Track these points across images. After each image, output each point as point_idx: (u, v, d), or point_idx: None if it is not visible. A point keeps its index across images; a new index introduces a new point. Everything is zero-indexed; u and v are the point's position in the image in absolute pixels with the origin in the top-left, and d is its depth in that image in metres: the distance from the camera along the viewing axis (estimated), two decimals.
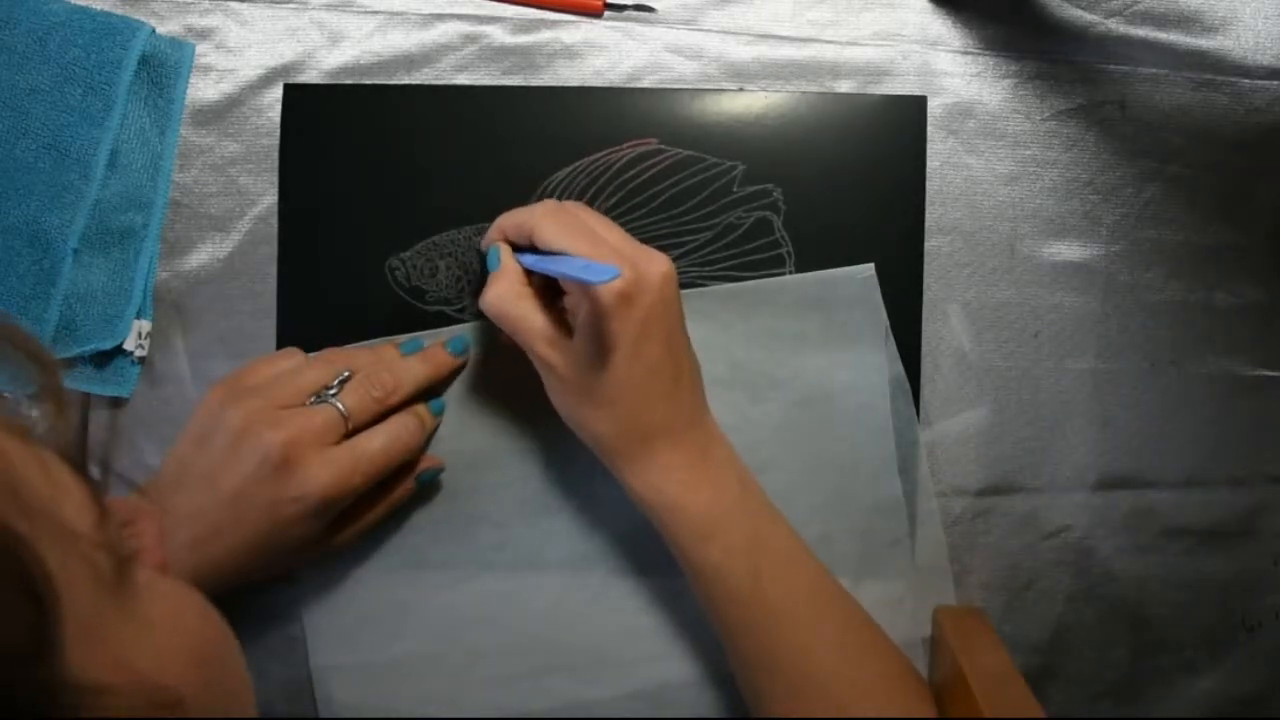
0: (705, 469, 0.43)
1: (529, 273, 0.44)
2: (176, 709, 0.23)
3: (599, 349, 0.41)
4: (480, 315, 0.49)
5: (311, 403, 0.43)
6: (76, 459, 0.24)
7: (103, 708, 0.21)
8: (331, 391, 0.43)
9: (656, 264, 0.41)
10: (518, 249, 0.45)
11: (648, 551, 0.49)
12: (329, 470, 0.41)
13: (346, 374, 0.44)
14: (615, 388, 0.41)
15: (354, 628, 0.49)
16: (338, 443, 0.42)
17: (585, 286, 0.40)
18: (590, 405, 0.42)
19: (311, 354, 0.47)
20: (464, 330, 0.48)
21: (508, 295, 0.43)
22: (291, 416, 0.41)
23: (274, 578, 0.48)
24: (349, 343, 0.48)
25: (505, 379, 0.49)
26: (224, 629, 0.28)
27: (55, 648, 0.20)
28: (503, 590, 0.49)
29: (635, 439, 0.42)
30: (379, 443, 0.43)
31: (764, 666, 0.43)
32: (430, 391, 0.47)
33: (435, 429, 0.48)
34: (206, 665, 0.26)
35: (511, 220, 0.44)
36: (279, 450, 0.40)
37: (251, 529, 0.41)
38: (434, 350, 0.47)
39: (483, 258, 0.48)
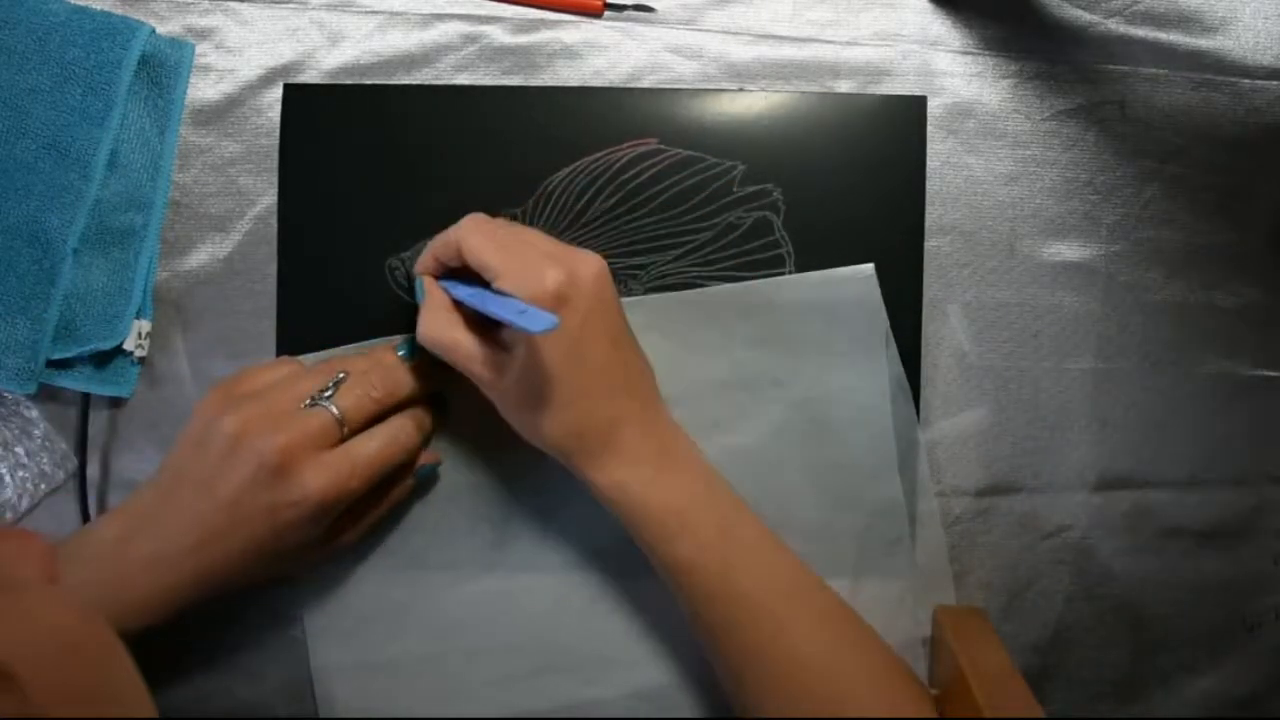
0: (668, 463, 0.43)
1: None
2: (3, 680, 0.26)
3: (542, 357, 0.40)
4: None
5: (306, 406, 0.42)
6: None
7: None
8: (326, 394, 0.43)
9: (589, 264, 0.41)
10: (454, 275, 0.45)
11: None
12: (325, 474, 0.41)
13: (341, 376, 0.44)
14: (565, 392, 0.41)
15: (354, 628, 0.49)
16: (334, 446, 0.42)
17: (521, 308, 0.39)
18: (541, 414, 0.42)
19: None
20: None
21: (436, 324, 0.43)
22: (287, 421, 0.41)
23: (276, 581, 0.48)
24: (349, 343, 0.48)
25: None
26: (108, 639, 0.30)
27: None
28: (503, 590, 0.49)
29: (593, 438, 0.42)
30: (375, 445, 0.43)
31: (741, 659, 0.43)
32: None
33: (433, 431, 0.48)
34: (71, 663, 0.28)
35: (439, 240, 0.44)
36: (275, 456, 0.40)
37: (250, 533, 0.41)
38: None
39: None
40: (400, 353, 0.46)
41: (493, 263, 0.41)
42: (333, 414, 0.42)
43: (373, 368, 0.45)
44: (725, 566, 0.42)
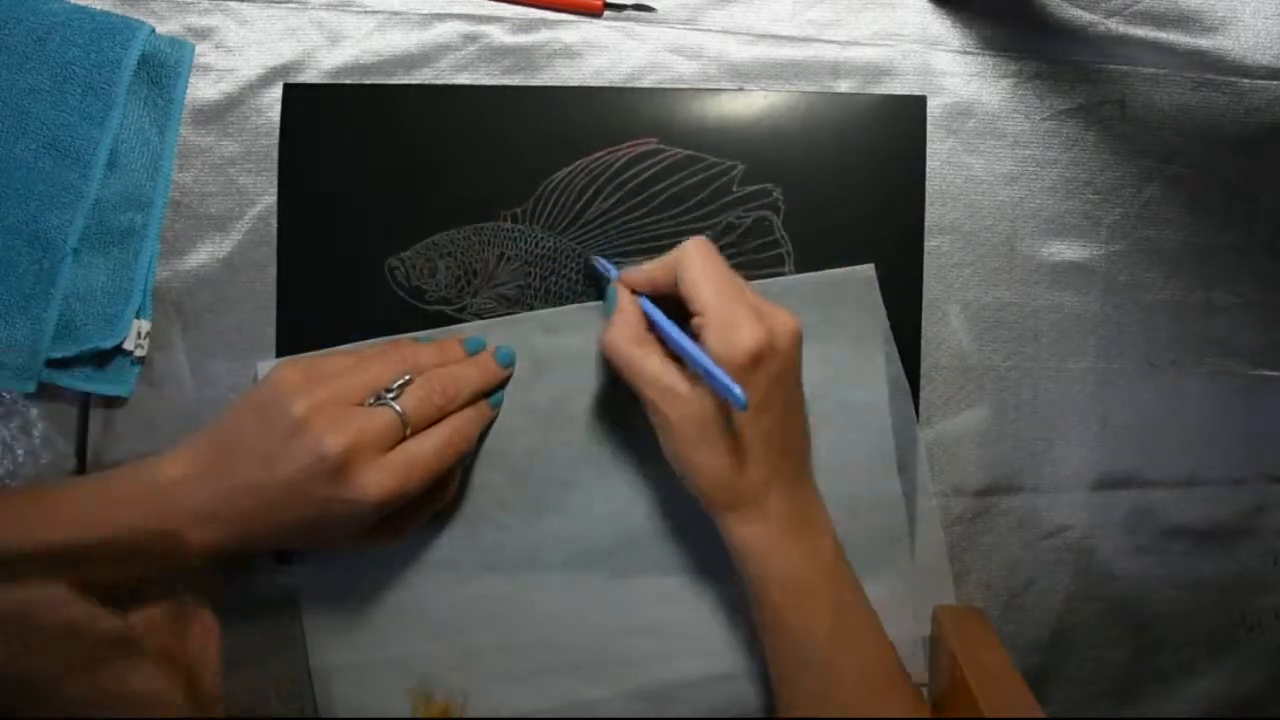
0: (802, 531, 0.44)
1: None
2: None
3: (720, 406, 0.41)
4: (481, 315, 0.49)
5: (371, 403, 0.42)
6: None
7: None
8: (391, 394, 0.43)
9: (787, 326, 0.42)
10: (654, 299, 0.44)
11: (648, 552, 0.49)
12: (383, 477, 0.41)
13: (408, 377, 0.44)
14: (730, 444, 0.41)
15: (354, 628, 0.49)
16: (394, 447, 0.42)
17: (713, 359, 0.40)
18: (699, 457, 0.42)
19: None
20: (507, 342, 0.48)
21: (625, 337, 0.43)
22: (351, 419, 0.41)
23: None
24: (347, 342, 0.48)
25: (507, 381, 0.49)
26: None
27: None
28: (503, 590, 0.49)
29: (740, 493, 0.42)
30: (432, 449, 0.43)
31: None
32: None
33: (492, 421, 0.48)
34: None
35: (661, 264, 0.44)
36: (336, 455, 0.40)
37: (300, 515, 0.41)
38: (487, 358, 0.48)
39: (505, 263, 0.48)
40: (468, 349, 0.47)
41: (705, 297, 0.41)
42: (397, 413, 0.42)
43: (439, 368, 0.45)
44: (830, 645, 0.43)
